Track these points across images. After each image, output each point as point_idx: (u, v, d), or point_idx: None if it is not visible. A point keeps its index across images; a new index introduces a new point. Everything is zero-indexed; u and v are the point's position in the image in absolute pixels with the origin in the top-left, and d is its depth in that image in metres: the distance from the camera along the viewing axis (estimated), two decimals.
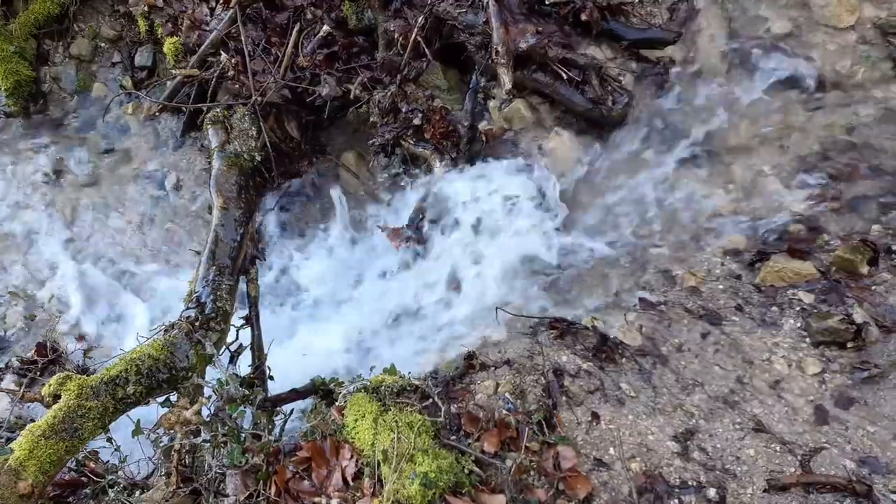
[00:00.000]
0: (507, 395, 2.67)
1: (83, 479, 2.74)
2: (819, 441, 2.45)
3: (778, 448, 2.44)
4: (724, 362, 2.80)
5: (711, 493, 2.32)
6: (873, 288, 2.89)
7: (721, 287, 3.11)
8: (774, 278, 3.05)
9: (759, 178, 3.52)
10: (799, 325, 2.86)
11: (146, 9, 4.56)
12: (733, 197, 3.51)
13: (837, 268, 2.99)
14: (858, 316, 2.74)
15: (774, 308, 2.96)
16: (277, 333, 3.18)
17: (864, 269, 2.95)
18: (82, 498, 2.72)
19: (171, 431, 2.50)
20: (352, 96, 3.87)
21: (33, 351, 3.68)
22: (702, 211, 3.49)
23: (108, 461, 2.84)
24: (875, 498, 2.22)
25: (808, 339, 2.80)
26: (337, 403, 2.59)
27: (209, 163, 3.80)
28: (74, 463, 2.74)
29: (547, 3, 3.69)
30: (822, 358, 2.73)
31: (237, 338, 3.01)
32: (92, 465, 2.80)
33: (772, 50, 3.75)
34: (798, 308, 2.91)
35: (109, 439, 2.63)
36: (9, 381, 3.60)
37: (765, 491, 2.30)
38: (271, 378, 3.01)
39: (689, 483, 2.35)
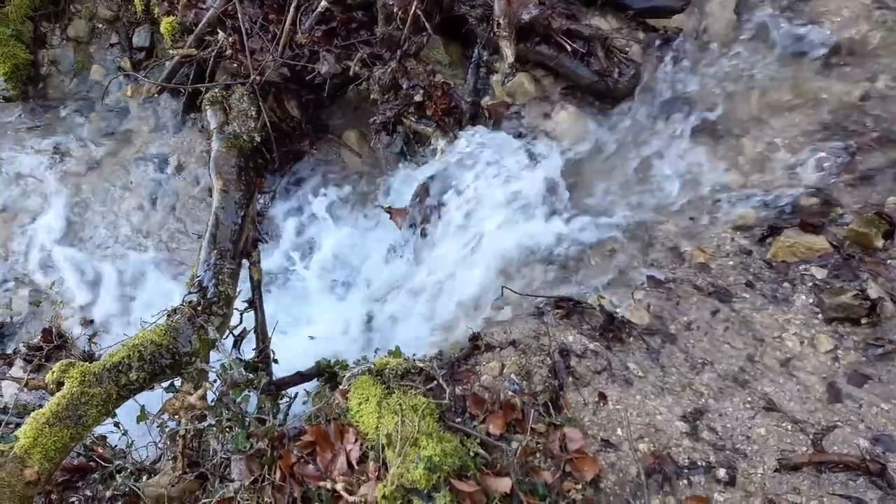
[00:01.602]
0: (512, 376, 2.64)
1: (91, 463, 2.75)
2: (832, 419, 2.40)
3: (789, 427, 2.39)
4: (734, 340, 2.75)
5: (721, 473, 2.28)
6: (888, 262, 2.81)
7: (731, 263, 3.05)
8: (786, 253, 2.98)
9: (771, 150, 3.42)
10: (811, 301, 2.79)
11: None
12: (743, 170, 3.42)
13: (851, 242, 2.91)
14: (873, 291, 2.67)
15: (786, 284, 2.89)
16: (280, 316, 3.16)
17: (879, 243, 2.87)
18: (91, 482, 2.73)
19: (176, 417, 2.49)
20: (351, 73, 3.78)
21: (39, 337, 3.69)
22: (711, 185, 3.40)
23: (116, 446, 2.86)
24: (889, 477, 2.18)
25: (820, 316, 2.74)
26: (341, 387, 2.57)
27: (209, 144, 3.74)
28: (83, 448, 2.75)
29: None
30: (836, 334, 2.67)
31: (241, 322, 2.99)
32: (100, 449, 2.82)
33: (784, 16, 3.62)
34: (810, 284, 2.84)
35: (117, 424, 2.64)
36: (17, 368, 3.63)
37: (776, 470, 2.27)
38: (275, 361, 2.99)
39: (699, 463, 2.32)
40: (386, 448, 2.22)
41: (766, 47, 3.63)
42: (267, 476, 2.33)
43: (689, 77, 3.64)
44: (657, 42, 3.70)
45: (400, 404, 2.32)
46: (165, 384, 2.58)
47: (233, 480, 2.34)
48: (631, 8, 3.68)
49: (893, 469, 2.20)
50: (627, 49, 3.63)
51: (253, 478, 2.32)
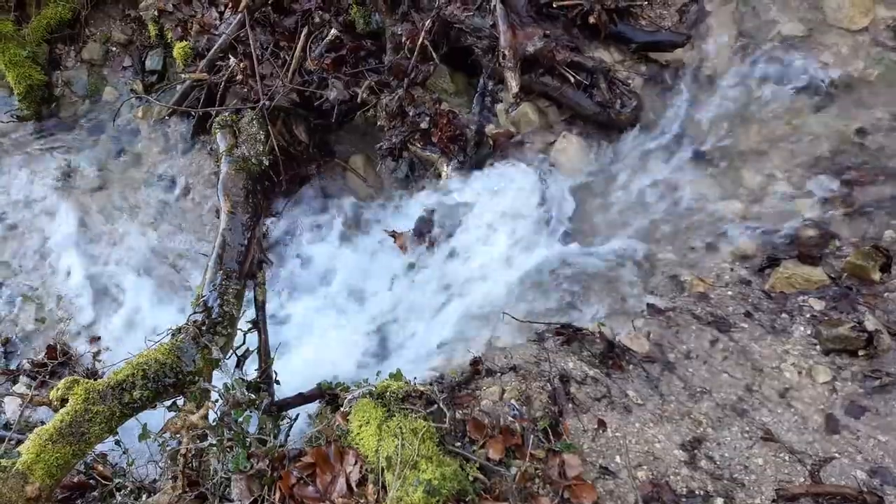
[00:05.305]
0: (512, 401, 2.65)
1: (91, 481, 2.76)
2: (829, 450, 2.42)
3: (787, 457, 2.41)
4: (733, 370, 2.77)
5: (719, 502, 2.29)
6: (885, 295, 2.85)
7: (730, 293, 3.08)
8: (784, 284, 3.01)
9: (770, 183, 3.48)
10: (809, 332, 2.82)
11: (156, 13, 4.60)
12: (743, 201, 3.46)
13: (849, 274, 2.95)
14: (870, 323, 2.70)
15: (784, 315, 2.92)
16: (283, 336, 3.18)
17: (877, 276, 2.90)
18: (90, 500, 2.74)
19: (178, 436, 2.51)
20: (359, 100, 3.87)
21: (44, 353, 3.72)
22: (711, 216, 3.45)
23: (116, 464, 2.86)
24: None
25: (818, 347, 2.76)
26: (342, 409, 2.58)
27: (217, 167, 3.81)
28: (83, 465, 2.76)
29: (554, 5, 3.67)
30: (833, 366, 2.69)
31: (244, 342, 3.02)
32: (100, 467, 2.82)
33: (783, 52, 3.70)
34: (808, 315, 2.88)
35: (118, 442, 2.65)
36: (21, 384, 3.65)
37: (773, 501, 2.28)
38: (277, 382, 3.01)
39: (697, 492, 2.32)
40: (385, 471, 2.23)
41: (765, 81, 3.70)
42: (266, 497, 2.33)
43: (690, 109, 3.71)
44: (659, 75, 3.79)
45: (400, 427, 2.33)
46: (168, 403, 2.60)
47: (232, 500, 2.35)
48: (633, 41, 3.77)
49: (891, 502, 2.21)
50: (629, 81, 3.71)
51: (252, 498, 2.32)
